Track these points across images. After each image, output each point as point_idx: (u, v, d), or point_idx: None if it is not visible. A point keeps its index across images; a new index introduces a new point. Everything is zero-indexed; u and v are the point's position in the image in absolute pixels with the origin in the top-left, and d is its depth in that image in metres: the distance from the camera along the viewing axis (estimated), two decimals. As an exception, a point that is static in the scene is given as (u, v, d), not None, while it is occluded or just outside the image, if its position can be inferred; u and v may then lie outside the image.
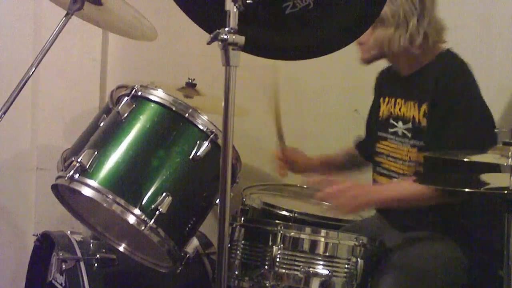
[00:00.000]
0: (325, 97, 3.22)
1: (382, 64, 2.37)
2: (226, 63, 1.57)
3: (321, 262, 1.98)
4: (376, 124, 2.39)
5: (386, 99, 2.34)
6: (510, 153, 1.67)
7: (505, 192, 1.66)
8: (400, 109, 2.25)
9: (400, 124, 2.24)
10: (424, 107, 2.15)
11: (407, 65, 2.24)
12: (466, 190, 1.70)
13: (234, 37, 1.55)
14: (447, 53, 2.21)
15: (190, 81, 2.62)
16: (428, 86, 2.16)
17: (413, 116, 2.18)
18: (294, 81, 3.19)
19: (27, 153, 2.98)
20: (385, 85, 2.41)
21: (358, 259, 1.99)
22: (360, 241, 1.99)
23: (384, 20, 2.13)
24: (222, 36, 1.55)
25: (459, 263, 2.10)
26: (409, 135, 2.20)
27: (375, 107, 2.43)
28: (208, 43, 1.58)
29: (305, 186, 2.89)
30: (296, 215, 2.41)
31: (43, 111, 2.97)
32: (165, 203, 1.90)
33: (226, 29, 1.55)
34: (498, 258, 1.83)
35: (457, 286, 2.11)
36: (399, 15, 2.13)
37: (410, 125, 2.20)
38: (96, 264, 2.23)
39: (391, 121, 2.28)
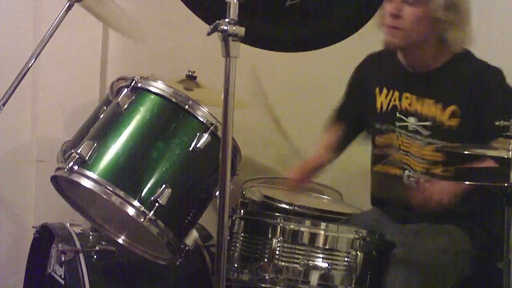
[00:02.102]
0: (325, 90, 3.21)
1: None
2: (226, 54, 1.56)
3: (321, 255, 1.98)
4: (373, 116, 2.35)
5: (384, 90, 2.31)
6: (510, 146, 1.66)
7: (505, 185, 1.65)
8: (410, 105, 2.23)
9: (411, 120, 2.23)
10: (452, 108, 2.14)
11: (423, 61, 2.22)
12: (467, 183, 1.70)
13: (234, 28, 1.54)
14: (467, 54, 2.20)
15: (190, 73, 2.62)
16: (454, 87, 2.16)
17: (435, 116, 2.17)
18: (294, 74, 3.19)
19: (27, 146, 2.97)
20: (382, 74, 2.36)
21: (358, 252, 1.98)
22: (360, 234, 1.99)
23: (437, 11, 2.11)
24: (222, 27, 1.54)
25: (467, 255, 2.10)
26: (426, 133, 2.19)
27: (366, 96, 2.39)
28: (208, 34, 1.58)
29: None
30: (296, 208, 2.41)
31: (43, 104, 2.96)
32: (164, 195, 1.90)
33: (226, 20, 1.55)
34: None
35: (463, 278, 2.11)
36: (449, 11, 2.12)
37: (428, 123, 2.18)
38: (95, 256, 2.23)
39: (398, 115, 2.26)
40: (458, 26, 2.15)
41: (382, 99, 2.32)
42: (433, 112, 2.18)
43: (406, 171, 2.23)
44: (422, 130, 2.20)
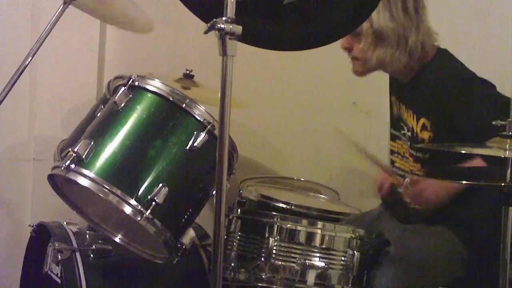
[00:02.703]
0: (323, 90, 3.21)
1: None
2: (223, 52, 1.56)
3: (318, 254, 1.97)
4: (391, 121, 2.38)
5: (393, 98, 2.35)
6: (507, 145, 1.66)
7: (502, 184, 1.65)
8: (403, 114, 2.26)
9: (405, 129, 2.24)
10: (422, 121, 2.14)
11: (405, 74, 2.23)
12: (464, 182, 1.69)
13: (231, 26, 1.53)
14: (440, 55, 2.18)
15: (188, 72, 2.62)
16: (425, 97, 2.14)
17: (412, 126, 2.18)
18: (292, 73, 3.18)
19: (24, 144, 2.97)
20: (393, 84, 2.39)
21: (355, 252, 1.98)
22: (357, 234, 1.99)
23: (384, 39, 2.11)
24: (219, 25, 1.53)
25: (459, 256, 2.10)
26: (409, 143, 2.21)
27: (390, 102, 2.42)
28: (205, 33, 1.57)
29: (302, 179, 2.89)
30: (293, 207, 2.41)
31: (41, 102, 2.96)
32: (161, 193, 1.90)
33: (224, 18, 1.54)
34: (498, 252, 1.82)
35: (455, 279, 2.11)
36: (399, 33, 2.11)
37: (410, 133, 2.20)
38: (92, 255, 2.23)
39: (401, 123, 2.28)
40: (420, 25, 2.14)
41: (394, 106, 2.34)
42: (411, 123, 2.19)
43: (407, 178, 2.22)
44: (408, 140, 2.22)
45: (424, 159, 2.16)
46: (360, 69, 2.23)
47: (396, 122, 2.32)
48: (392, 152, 2.34)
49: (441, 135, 2.11)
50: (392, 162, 2.33)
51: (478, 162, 1.97)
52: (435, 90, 2.12)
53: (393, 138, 2.34)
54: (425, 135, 2.14)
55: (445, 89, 2.10)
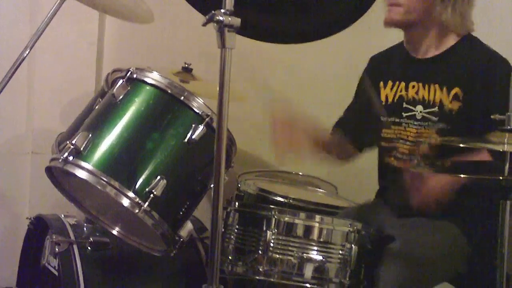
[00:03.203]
0: (322, 84, 3.21)
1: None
2: (222, 45, 1.56)
3: (315, 248, 1.96)
4: (380, 109, 2.34)
5: (389, 83, 2.31)
6: (505, 139, 1.66)
7: (500, 178, 1.65)
8: (417, 93, 2.23)
9: (419, 107, 2.21)
10: (455, 90, 2.13)
11: (428, 44, 2.21)
12: (462, 176, 1.69)
13: (230, 19, 1.53)
14: (471, 37, 2.20)
15: (187, 65, 2.61)
16: (458, 70, 2.14)
17: (441, 100, 2.16)
18: (290, 67, 3.18)
19: (23, 137, 2.97)
20: (387, 69, 2.36)
21: (353, 245, 1.97)
22: (355, 227, 1.98)
23: None
24: (217, 17, 1.53)
25: (461, 251, 2.09)
26: (435, 118, 2.18)
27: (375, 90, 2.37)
28: (204, 25, 1.57)
29: (300, 173, 2.89)
30: (291, 201, 2.41)
31: (39, 95, 2.96)
32: (159, 186, 1.89)
33: (222, 10, 1.54)
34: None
35: (457, 275, 2.11)
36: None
37: (436, 109, 2.17)
38: (89, 248, 2.23)
39: (405, 105, 2.25)
40: (455, 10, 2.14)
41: (387, 92, 2.31)
42: (438, 97, 2.17)
43: (415, 161, 2.22)
44: (432, 116, 2.19)
45: (447, 129, 2.14)
46: (397, 18, 2.19)
47: (391, 108, 2.29)
48: (385, 139, 2.31)
49: (469, 106, 2.11)
50: (391, 149, 2.31)
51: (484, 156, 1.97)
52: (474, 64, 2.13)
53: (387, 125, 2.30)
54: (455, 105, 2.13)
55: (485, 65, 2.12)
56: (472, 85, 2.12)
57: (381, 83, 2.34)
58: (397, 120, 2.28)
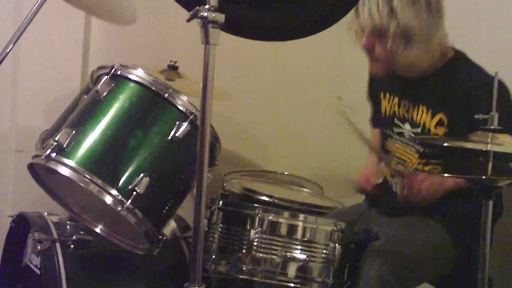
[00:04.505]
0: (308, 84, 3.21)
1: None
2: (206, 41, 1.55)
3: (299, 247, 1.96)
4: (379, 119, 2.36)
5: (388, 96, 2.31)
6: (489, 139, 1.66)
7: (483, 177, 1.65)
8: (407, 111, 2.22)
9: (407, 126, 2.22)
10: (439, 116, 2.12)
11: (418, 69, 2.18)
12: (446, 175, 1.69)
13: (214, 15, 1.53)
14: (458, 56, 2.17)
15: (172, 63, 2.60)
16: (443, 93, 2.13)
17: (424, 123, 2.15)
18: (277, 66, 3.18)
19: (6, 135, 2.95)
20: (384, 80, 2.33)
21: (336, 245, 1.97)
22: (338, 227, 1.98)
23: (410, 38, 2.07)
24: (201, 13, 1.53)
25: (445, 252, 2.10)
26: (417, 141, 2.18)
27: (375, 99, 2.39)
28: (188, 21, 1.57)
29: (286, 173, 2.89)
30: (276, 200, 2.40)
31: (24, 92, 2.94)
32: (142, 183, 1.88)
33: (206, 6, 1.53)
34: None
35: (441, 276, 2.12)
36: (423, 32, 2.07)
37: (418, 130, 2.17)
38: (72, 246, 2.20)
39: (396, 121, 2.26)
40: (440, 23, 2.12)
41: (385, 104, 2.32)
42: (423, 120, 2.16)
43: (394, 179, 2.21)
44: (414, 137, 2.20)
45: (433, 155, 2.14)
46: (381, 71, 2.20)
47: (387, 121, 2.29)
48: (385, 150, 2.32)
49: (456, 131, 2.09)
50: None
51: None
52: (458, 88, 2.11)
53: (384, 137, 2.32)
54: (440, 131, 2.12)
55: (468, 88, 2.09)
56: (455, 109, 2.10)
57: (382, 94, 2.34)
58: (389, 133, 2.29)
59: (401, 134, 2.24)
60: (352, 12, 2.09)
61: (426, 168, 2.01)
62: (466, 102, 2.09)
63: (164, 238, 1.98)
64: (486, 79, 2.08)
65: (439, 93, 2.16)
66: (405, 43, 2.08)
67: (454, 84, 2.13)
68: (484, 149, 1.65)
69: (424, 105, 2.17)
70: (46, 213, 2.38)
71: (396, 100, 2.27)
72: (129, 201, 1.87)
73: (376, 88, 2.40)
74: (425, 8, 2.07)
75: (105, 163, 1.91)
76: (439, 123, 2.13)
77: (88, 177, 1.87)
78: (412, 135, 2.20)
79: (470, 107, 2.06)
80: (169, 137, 1.94)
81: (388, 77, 2.28)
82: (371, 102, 2.47)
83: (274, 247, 1.96)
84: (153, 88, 1.97)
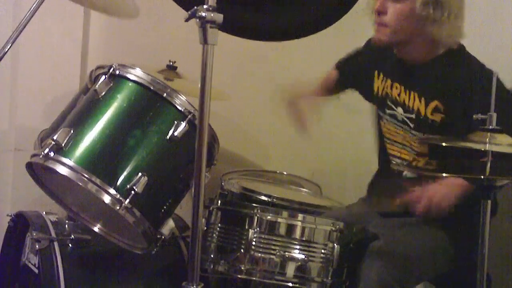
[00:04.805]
0: (306, 84, 3.20)
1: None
2: (204, 41, 1.56)
3: (297, 247, 1.97)
4: (370, 98, 2.37)
5: (381, 76, 2.31)
6: (487, 139, 1.66)
7: (482, 177, 1.65)
8: (399, 95, 2.22)
9: (400, 110, 2.22)
10: (435, 103, 2.12)
11: (416, 54, 2.19)
12: (444, 174, 1.69)
13: (212, 15, 1.53)
14: (461, 51, 2.17)
15: (171, 63, 2.60)
16: (437, 83, 2.13)
17: (418, 109, 2.15)
18: (276, 66, 3.18)
19: (5, 134, 2.94)
20: (379, 60, 2.34)
21: (335, 245, 1.97)
22: (337, 227, 1.98)
23: (425, 8, 2.07)
24: (200, 13, 1.53)
25: (444, 252, 2.10)
26: (412, 125, 2.18)
27: (365, 77, 2.38)
28: (186, 21, 1.57)
29: (284, 173, 2.89)
30: (274, 200, 2.40)
31: (23, 92, 2.93)
32: (140, 183, 1.88)
33: (205, 6, 1.54)
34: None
35: (439, 275, 2.11)
36: (438, 5, 2.08)
37: (413, 116, 2.17)
38: (70, 245, 2.20)
39: (388, 102, 2.26)
40: (443, 22, 2.11)
41: (378, 84, 2.32)
42: (416, 106, 2.17)
43: (404, 173, 2.20)
44: (410, 122, 2.19)
45: (424, 138, 2.14)
46: (385, 38, 2.18)
47: (379, 101, 2.30)
48: (384, 136, 2.32)
49: (453, 118, 2.09)
50: (385, 147, 2.31)
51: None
52: (456, 78, 2.11)
53: (379, 118, 2.32)
54: (437, 117, 2.12)
55: (467, 78, 2.10)
56: (453, 99, 2.10)
57: (376, 73, 2.34)
58: (380, 113, 2.29)
59: (393, 116, 2.24)
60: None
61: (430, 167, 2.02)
62: (464, 93, 2.09)
63: (163, 237, 1.99)
64: (485, 72, 2.10)
65: (434, 81, 2.16)
66: (413, 16, 2.08)
67: (452, 74, 2.13)
68: (482, 149, 1.65)
69: (416, 92, 2.17)
70: (44, 212, 2.38)
71: (389, 82, 2.27)
72: (128, 200, 1.87)
73: (369, 65, 2.39)
74: None
75: (103, 162, 1.92)
76: (436, 109, 2.12)
77: (86, 176, 1.87)
78: (405, 119, 2.20)
79: (469, 98, 2.07)
80: (168, 137, 1.95)
81: (383, 55, 2.29)
82: (357, 60, 2.50)
83: (272, 247, 1.97)
84: (152, 88, 1.98)
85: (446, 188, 2.01)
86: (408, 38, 2.15)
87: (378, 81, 2.32)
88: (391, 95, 2.25)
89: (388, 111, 2.26)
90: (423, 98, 2.15)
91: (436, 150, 2.11)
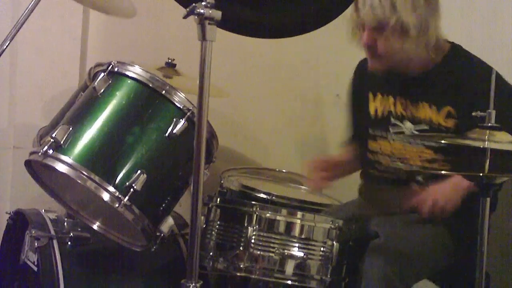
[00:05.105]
0: (306, 81, 3.21)
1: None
2: (202, 37, 1.56)
3: (297, 244, 1.96)
4: (367, 121, 2.31)
5: (379, 95, 2.27)
6: (486, 136, 1.66)
7: (481, 174, 1.65)
8: (405, 109, 2.19)
9: (408, 124, 2.18)
10: (447, 109, 2.10)
11: (414, 67, 2.16)
12: (443, 172, 1.69)
13: (210, 11, 1.53)
14: (455, 49, 2.16)
15: (170, 61, 2.60)
16: (445, 88, 2.11)
17: (430, 118, 2.13)
18: (276, 64, 3.18)
19: (4, 132, 2.95)
20: (375, 80, 2.28)
21: (334, 242, 1.97)
22: (336, 224, 1.98)
23: (408, 32, 2.03)
24: (198, 10, 1.54)
25: (445, 248, 2.10)
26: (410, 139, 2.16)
27: (360, 101, 2.36)
28: (184, 17, 1.57)
29: (284, 170, 2.89)
30: (274, 198, 2.40)
31: (21, 90, 2.94)
32: (139, 180, 1.88)
33: (203, 3, 1.54)
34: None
35: (439, 272, 2.11)
36: (421, 24, 2.03)
37: (426, 127, 2.14)
38: (69, 243, 2.21)
39: (393, 120, 2.22)
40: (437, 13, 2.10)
41: (377, 104, 2.28)
42: (428, 115, 2.14)
43: (417, 177, 2.18)
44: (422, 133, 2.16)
45: (440, 147, 2.10)
46: (381, 68, 2.15)
47: (379, 122, 2.26)
48: (371, 151, 2.30)
49: (466, 120, 2.02)
50: (375, 162, 2.29)
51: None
52: (460, 79, 2.09)
53: (374, 138, 2.28)
54: (450, 123, 2.10)
55: (470, 78, 2.08)
56: (463, 102, 2.08)
57: (370, 94, 2.30)
58: (383, 134, 2.26)
59: (400, 133, 2.21)
60: (350, 8, 2.06)
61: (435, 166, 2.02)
62: (469, 93, 2.07)
63: (162, 235, 1.99)
64: (485, 68, 2.08)
65: (441, 87, 2.14)
66: (402, 37, 2.05)
67: (456, 77, 2.11)
68: (481, 146, 1.64)
69: (426, 101, 2.15)
70: (43, 210, 2.38)
71: (391, 99, 2.24)
72: (126, 197, 1.87)
73: (362, 88, 2.35)
74: (424, 1, 2.05)
75: (102, 159, 1.91)
76: (449, 115, 2.11)
77: (85, 173, 1.87)
78: (415, 131, 2.17)
79: (474, 97, 2.03)
80: (167, 134, 1.95)
81: (382, 76, 2.24)
82: (352, 112, 2.45)
83: (272, 245, 1.96)
84: (151, 85, 1.98)
85: (451, 191, 2.01)
86: (406, 57, 2.11)
87: (375, 102, 2.28)
88: (394, 112, 2.22)
89: (393, 130, 2.22)
90: (434, 106, 2.13)
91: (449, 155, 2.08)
